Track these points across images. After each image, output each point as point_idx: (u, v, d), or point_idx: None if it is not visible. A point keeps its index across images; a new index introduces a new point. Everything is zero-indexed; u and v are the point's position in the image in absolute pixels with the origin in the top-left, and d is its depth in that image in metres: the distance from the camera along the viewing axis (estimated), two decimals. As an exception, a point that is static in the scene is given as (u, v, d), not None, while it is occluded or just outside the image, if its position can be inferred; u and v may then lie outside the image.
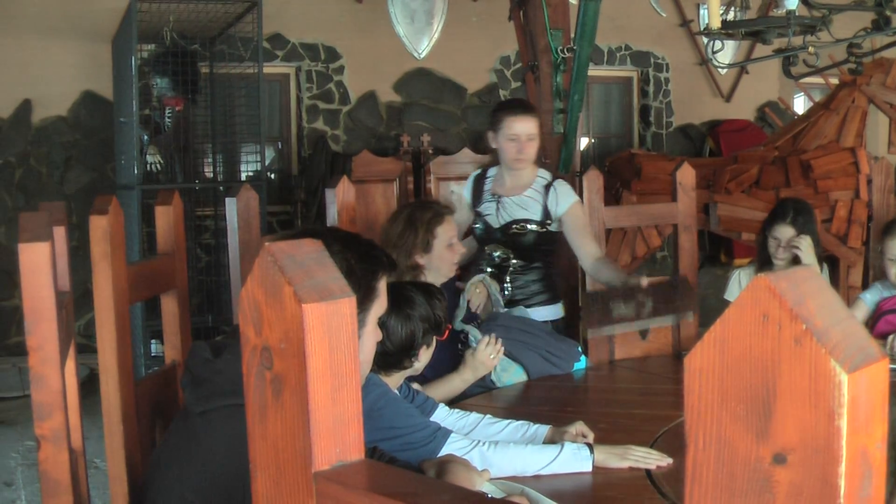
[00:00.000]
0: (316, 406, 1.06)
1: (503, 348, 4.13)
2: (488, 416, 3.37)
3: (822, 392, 0.71)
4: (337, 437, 1.10)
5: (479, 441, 3.03)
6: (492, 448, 3.00)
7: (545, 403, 4.05)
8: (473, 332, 4.19)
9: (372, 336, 2.39)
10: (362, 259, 2.33)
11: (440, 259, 4.34)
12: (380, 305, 2.41)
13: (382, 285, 2.40)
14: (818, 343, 0.71)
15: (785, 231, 5.15)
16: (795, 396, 0.72)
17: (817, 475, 0.73)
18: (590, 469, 3.04)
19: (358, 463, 1.11)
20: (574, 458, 3.05)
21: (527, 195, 4.94)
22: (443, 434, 2.95)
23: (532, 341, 4.46)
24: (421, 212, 4.41)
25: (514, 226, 4.91)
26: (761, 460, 0.75)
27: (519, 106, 5.02)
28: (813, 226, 5.19)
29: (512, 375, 4.30)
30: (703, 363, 0.76)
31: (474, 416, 3.36)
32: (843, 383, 0.71)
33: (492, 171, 5.21)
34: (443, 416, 3.33)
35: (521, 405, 4.01)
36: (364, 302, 2.31)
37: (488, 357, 4.08)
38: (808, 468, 0.73)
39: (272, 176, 11.23)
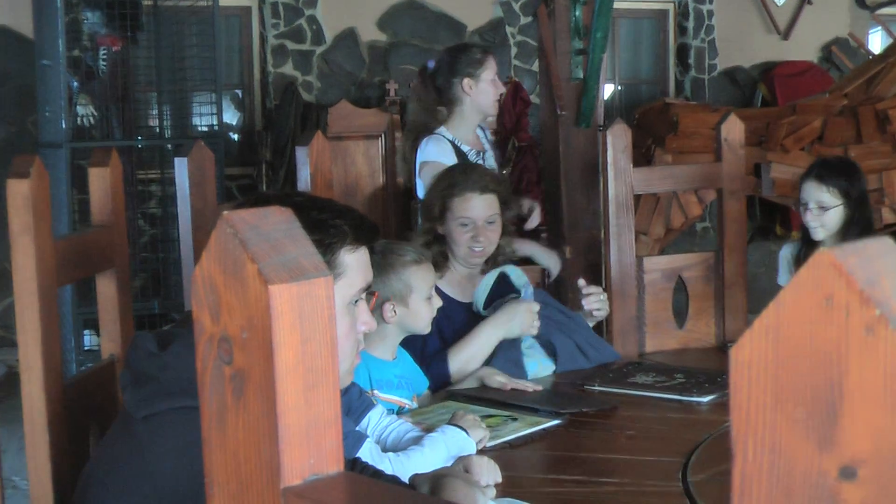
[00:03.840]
0: (285, 408, 1.06)
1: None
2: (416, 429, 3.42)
3: (898, 392, 0.71)
4: (310, 445, 1.10)
5: (389, 455, 3.09)
6: (400, 457, 3.06)
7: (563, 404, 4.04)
8: (521, 281, 4.40)
9: (342, 323, 2.37)
10: (317, 229, 2.30)
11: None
12: (347, 284, 2.39)
13: (349, 259, 2.37)
14: (895, 332, 0.71)
15: (810, 190, 5.17)
16: (867, 397, 0.72)
17: (893, 493, 0.73)
18: (474, 449, 3.20)
19: (335, 476, 1.11)
20: (463, 442, 3.21)
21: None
22: (355, 438, 2.99)
23: (569, 325, 4.51)
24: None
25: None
26: (825, 475, 0.75)
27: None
28: (847, 184, 5.22)
29: (539, 364, 4.34)
30: (753, 356, 0.76)
31: (407, 426, 3.39)
32: (925, 381, 0.71)
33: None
34: (376, 418, 3.35)
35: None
36: None
37: (531, 316, 4.21)
38: (883, 484, 0.73)
39: (232, 134, 11.22)
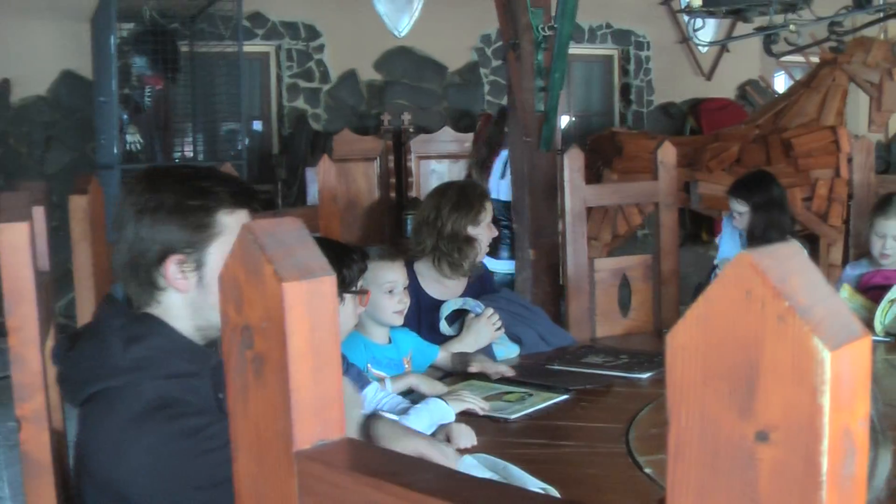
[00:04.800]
0: (297, 385, 1.06)
1: (502, 323, 4.26)
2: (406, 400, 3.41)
3: (804, 370, 0.71)
4: (318, 416, 1.09)
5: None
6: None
7: (531, 375, 4.03)
8: (469, 303, 4.29)
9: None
10: (198, 195, 2.24)
11: (482, 235, 4.47)
12: (227, 241, 2.23)
13: (227, 220, 2.26)
14: (801, 320, 0.71)
15: (732, 203, 5.42)
16: (778, 374, 0.72)
17: (800, 453, 0.72)
18: (454, 418, 3.23)
19: (339, 442, 1.11)
20: (443, 411, 3.22)
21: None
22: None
23: (531, 317, 4.52)
24: (471, 186, 4.68)
25: None
26: (744, 438, 0.74)
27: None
28: (752, 194, 5.38)
29: (505, 349, 4.34)
30: (685, 340, 0.76)
31: (398, 399, 3.39)
32: (826, 361, 0.70)
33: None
34: (371, 394, 3.34)
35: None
36: (196, 240, 2.22)
37: (491, 326, 4.18)
38: (790, 446, 0.73)
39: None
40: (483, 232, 4.48)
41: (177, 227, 2.21)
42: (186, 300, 2.25)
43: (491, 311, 4.23)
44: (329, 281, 1.10)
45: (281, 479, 1.09)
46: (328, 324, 1.10)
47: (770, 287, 0.71)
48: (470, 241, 4.41)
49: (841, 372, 0.72)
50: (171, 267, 2.21)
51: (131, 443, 2.05)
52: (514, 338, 4.41)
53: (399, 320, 3.88)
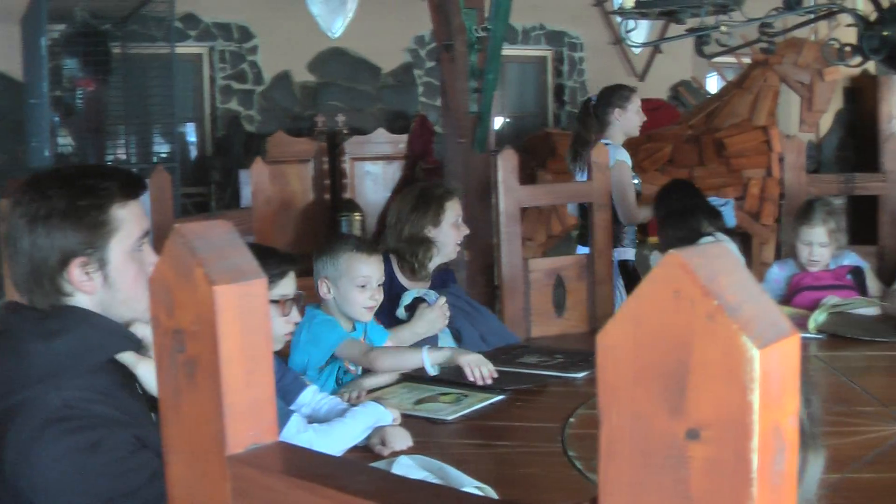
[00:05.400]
0: (229, 389, 1.05)
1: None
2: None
3: (734, 368, 0.71)
4: (251, 420, 1.08)
5: (314, 426, 3.06)
6: (325, 426, 3.04)
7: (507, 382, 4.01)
8: (430, 295, 4.29)
9: (129, 270, 2.27)
10: (87, 194, 2.21)
11: (446, 235, 4.46)
12: (126, 235, 2.25)
13: (121, 214, 2.24)
14: (730, 319, 0.71)
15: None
16: (709, 373, 0.73)
17: (730, 450, 0.73)
18: (390, 421, 3.17)
19: (272, 445, 1.10)
20: (379, 414, 3.17)
21: None
22: (282, 416, 2.96)
23: (475, 316, 4.53)
24: (433, 188, 4.64)
25: None
26: (675, 436, 0.75)
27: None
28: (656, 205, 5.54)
29: (444, 344, 4.33)
30: (616, 340, 0.76)
31: (336, 401, 3.37)
32: (755, 359, 0.71)
33: None
34: (310, 396, 3.32)
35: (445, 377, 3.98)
36: (95, 239, 2.20)
37: (443, 317, 4.19)
38: (721, 443, 0.73)
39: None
40: (446, 232, 4.46)
41: (72, 231, 2.18)
42: (94, 301, 2.22)
43: (444, 300, 4.23)
44: (260, 284, 1.09)
45: (214, 484, 1.08)
46: (260, 327, 1.09)
47: (699, 286, 0.72)
48: (427, 242, 4.40)
49: (770, 369, 0.73)
50: (75, 271, 2.18)
51: (37, 454, 2.02)
52: (455, 333, 4.41)
53: (368, 316, 3.86)
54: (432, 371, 3.69)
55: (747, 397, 0.72)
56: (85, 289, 2.19)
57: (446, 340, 4.34)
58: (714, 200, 5.88)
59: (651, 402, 0.76)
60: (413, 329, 4.16)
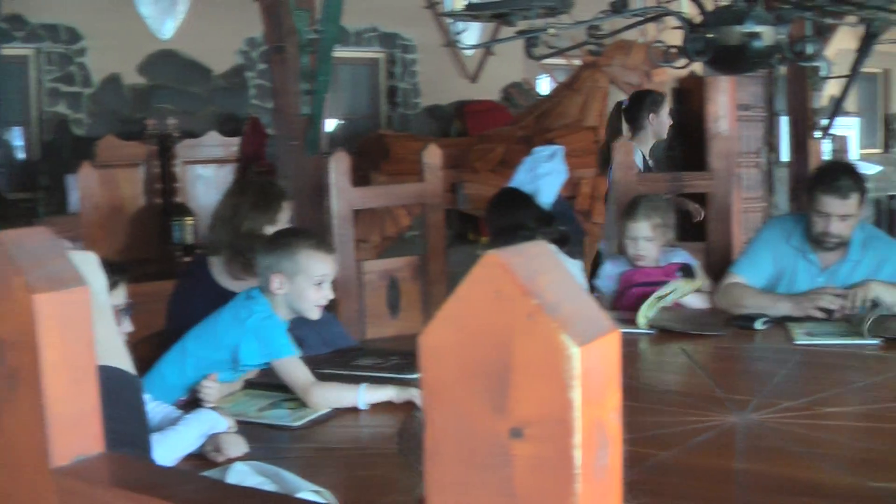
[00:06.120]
0: (52, 400, 1.03)
1: None
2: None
3: (555, 366, 0.72)
4: (77, 431, 1.06)
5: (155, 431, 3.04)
6: (157, 435, 3.01)
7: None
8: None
9: None
10: None
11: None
12: None
13: None
14: (549, 318, 0.72)
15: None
16: (530, 371, 0.73)
17: (554, 447, 0.74)
18: (225, 428, 3.15)
19: (99, 457, 1.08)
20: (213, 421, 3.16)
21: None
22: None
23: (317, 320, 4.49)
24: (272, 186, 4.67)
25: None
26: (499, 435, 0.75)
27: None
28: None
29: None
30: (438, 341, 0.77)
31: (170, 409, 3.33)
32: (575, 356, 0.72)
33: None
34: (151, 407, 3.27)
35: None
36: None
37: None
38: (544, 441, 0.74)
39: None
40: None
41: None
42: None
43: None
44: (83, 292, 1.07)
45: (39, 497, 1.06)
46: (83, 336, 1.07)
47: (518, 286, 0.72)
48: (263, 240, 4.36)
49: (590, 367, 0.74)
50: None
51: None
52: (298, 339, 4.38)
53: (318, 314, 3.84)
54: (363, 407, 3.63)
55: (568, 395, 0.73)
56: None
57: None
58: (543, 150, 6.03)
59: (474, 401, 0.76)
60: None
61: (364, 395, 3.57)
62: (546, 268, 0.76)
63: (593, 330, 0.75)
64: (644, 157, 7.01)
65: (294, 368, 3.68)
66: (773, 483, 2.69)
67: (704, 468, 2.89)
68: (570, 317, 0.73)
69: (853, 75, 7.04)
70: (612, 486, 0.79)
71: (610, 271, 5.24)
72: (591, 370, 0.74)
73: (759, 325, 4.52)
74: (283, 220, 4.45)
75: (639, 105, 7.05)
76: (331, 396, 3.60)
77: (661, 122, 7.04)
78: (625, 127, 7.36)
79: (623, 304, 4.99)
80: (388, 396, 3.58)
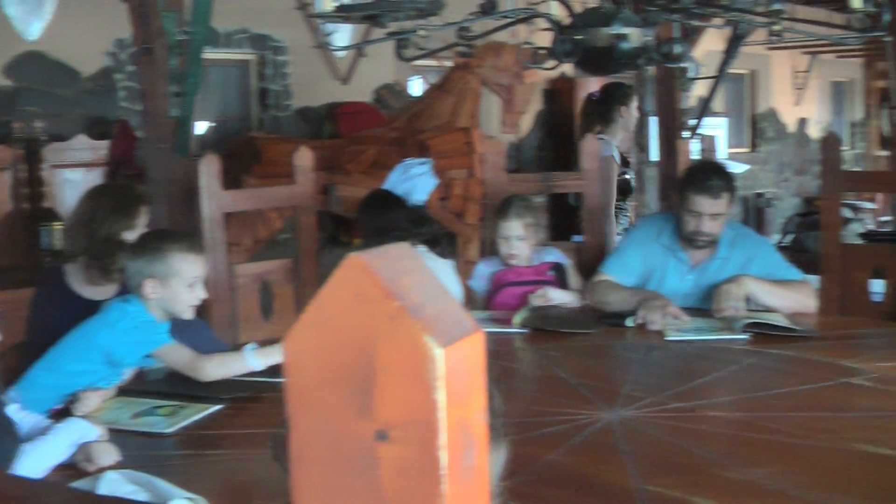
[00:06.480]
0: None
1: None
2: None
3: (418, 367, 0.72)
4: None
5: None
6: (26, 445, 2.96)
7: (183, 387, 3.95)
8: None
9: None
10: None
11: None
12: None
13: None
14: (412, 319, 0.72)
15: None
16: (394, 373, 0.73)
17: (419, 449, 0.74)
18: (95, 436, 3.08)
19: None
20: (83, 429, 3.09)
21: None
22: None
23: (187, 327, 4.43)
24: (131, 189, 4.63)
25: None
26: (364, 438, 0.75)
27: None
28: None
29: None
30: (301, 344, 0.76)
31: (39, 418, 3.28)
32: (439, 357, 0.72)
33: None
34: (12, 413, 3.21)
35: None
36: None
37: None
38: (410, 443, 0.74)
39: None
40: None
41: None
42: None
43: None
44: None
45: None
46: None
47: (380, 288, 0.72)
48: (123, 246, 4.28)
49: (455, 368, 0.74)
50: None
51: None
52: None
53: (192, 314, 3.83)
54: (259, 368, 3.71)
55: (432, 396, 0.73)
56: None
57: None
58: (412, 162, 6.06)
59: (339, 405, 0.76)
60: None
61: (253, 358, 3.69)
62: (410, 269, 0.76)
63: (457, 331, 0.75)
64: (617, 149, 7.05)
65: (176, 349, 3.74)
66: (656, 470, 2.73)
67: (576, 468, 2.91)
68: (434, 318, 0.74)
69: (720, 76, 7.17)
70: (479, 486, 0.79)
71: (483, 271, 5.27)
72: (455, 371, 0.74)
73: (629, 322, 4.59)
74: (141, 224, 4.38)
75: (610, 98, 7.09)
76: (220, 364, 3.72)
77: (631, 116, 7.09)
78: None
79: (496, 303, 5.03)
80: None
